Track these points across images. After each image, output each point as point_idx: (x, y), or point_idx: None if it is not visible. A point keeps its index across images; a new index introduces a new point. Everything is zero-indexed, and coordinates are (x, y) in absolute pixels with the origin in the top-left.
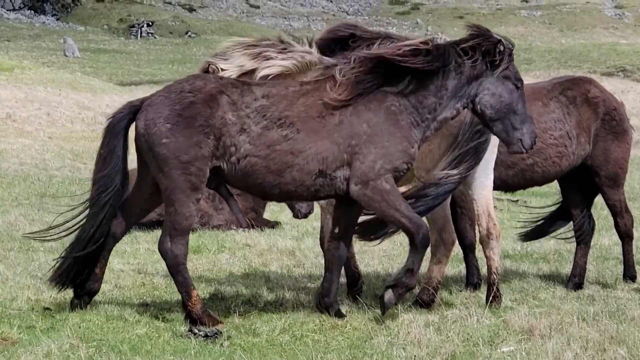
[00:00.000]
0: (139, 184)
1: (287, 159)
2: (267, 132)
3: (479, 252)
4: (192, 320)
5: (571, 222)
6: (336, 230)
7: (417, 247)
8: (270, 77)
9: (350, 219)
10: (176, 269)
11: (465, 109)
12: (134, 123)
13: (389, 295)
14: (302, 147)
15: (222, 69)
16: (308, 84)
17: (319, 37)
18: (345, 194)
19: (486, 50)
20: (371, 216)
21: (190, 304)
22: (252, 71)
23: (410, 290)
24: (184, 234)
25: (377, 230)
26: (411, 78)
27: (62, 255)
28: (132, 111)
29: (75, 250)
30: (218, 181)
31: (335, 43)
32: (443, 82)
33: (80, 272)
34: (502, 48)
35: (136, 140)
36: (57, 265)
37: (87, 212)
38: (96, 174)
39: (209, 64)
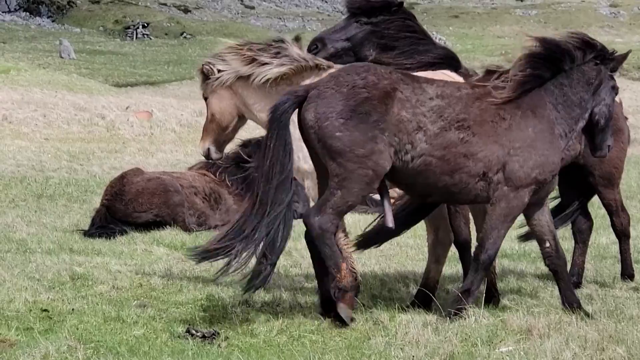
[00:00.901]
0: (324, 172)
1: (460, 160)
2: (444, 133)
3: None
4: (338, 292)
5: (569, 222)
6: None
7: (479, 264)
8: (269, 81)
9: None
10: (322, 241)
11: None
12: (300, 113)
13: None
14: (474, 150)
15: (219, 70)
16: (479, 87)
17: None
18: (488, 198)
19: (606, 60)
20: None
21: (339, 276)
22: (248, 76)
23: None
24: (338, 216)
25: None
26: (561, 88)
27: (263, 261)
28: (298, 101)
29: (277, 252)
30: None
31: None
32: (584, 92)
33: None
34: (619, 58)
35: (303, 129)
36: (258, 271)
37: (268, 210)
38: (266, 167)
39: (205, 65)
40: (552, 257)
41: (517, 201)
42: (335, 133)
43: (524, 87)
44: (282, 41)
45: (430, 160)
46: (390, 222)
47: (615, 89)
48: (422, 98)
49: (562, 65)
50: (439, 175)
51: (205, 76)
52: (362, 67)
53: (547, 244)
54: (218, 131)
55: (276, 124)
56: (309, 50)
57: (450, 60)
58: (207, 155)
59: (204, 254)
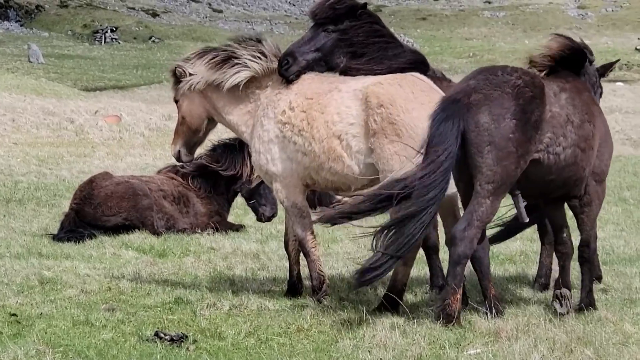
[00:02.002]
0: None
1: (590, 153)
2: (584, 125)
3: (443, 254)
4: (445, 317)
5: (536, 224)
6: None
7: (588, 261)
8: (241, 85)
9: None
10: (461, 260)
11: None
12: (472, 117)
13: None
14: (594, 144)
15: (190, 74)
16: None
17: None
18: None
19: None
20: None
21: (450, 300)
22: (219, 84)
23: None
24: (481, 229)
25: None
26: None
27: (390, 253)
28: (457, 107)
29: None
30: None
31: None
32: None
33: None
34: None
35: (472, 133)
36: (380, 262)
37: (426, 210)
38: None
39: (177, 68)
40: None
41: (603, 195)
42: (509, 134)
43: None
44: (259, 40)
45: (577, 152)
46: (525, 217)
47: (601, 93)
48: (556, 90)
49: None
50: (579, 168)
51: (177, 79)
52: (504, 67)
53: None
54: (188, 134)
55: (442, 127)
56: (280, 66)
57: (419, 64)
58: (178, 157)
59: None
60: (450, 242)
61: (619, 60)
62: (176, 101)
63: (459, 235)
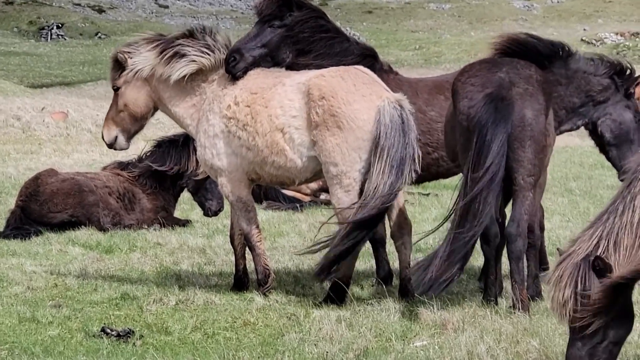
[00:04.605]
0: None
1: None
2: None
3: (389, 247)
4: (524, 308)
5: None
6: None
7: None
8: (187, 76)
9: None
10: (521, 256)
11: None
12: (517, 113)
13: None
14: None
15: (136, 61)
16: None
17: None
18: None
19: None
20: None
21: (521, 294)
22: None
23: None
24: (531, 219)
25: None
26: None
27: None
28: (493, 100)
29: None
30: None
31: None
32: None
33: None
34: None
35: (515, 128)
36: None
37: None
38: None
39: (120, 53)
40: None
41: None
42: (543, 128)
43: None
44: (204, 31)
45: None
46: None
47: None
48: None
49: None
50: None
51: (119, 64)
52: (519, 61)
53: None
54: (130, 121)
55: (487, 124)
56: (227, 63)
57: (369, 58)
58: (113, 143)
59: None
60: (508, 240)
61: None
62: (117, 88)
63: (515, 232)
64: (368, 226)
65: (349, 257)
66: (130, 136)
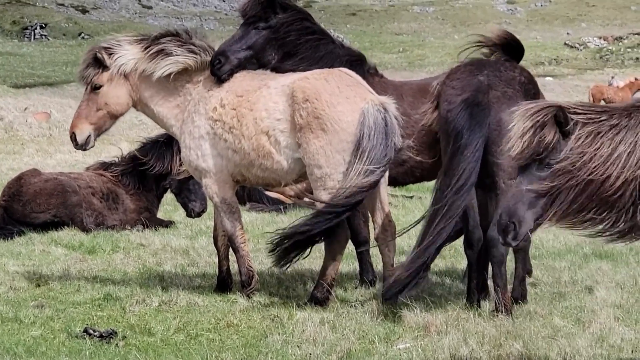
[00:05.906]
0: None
1: None
2: None
3: (373, 249)
4: (506, 312)
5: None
6: None
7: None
8: (171, 76)
9: None
10: (504, 260)
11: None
12: (494, 116)
13: None
14: None
15: (117, 57)
16: None
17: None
18: None
19: None
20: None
21: (504, 297)
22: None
23: None
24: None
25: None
26: None
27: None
28: (474, 103)
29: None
30: None
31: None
32: None
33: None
34: None
35: (494, 133)
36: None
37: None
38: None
39: (99, 51)
40: None
41: None
42: None
43: None
44: (187, 33)
45: None
46: None
47: None
48: None
49: None
50: None
51: (97, 62)
52: (504, 62)
53: None
54: (106, 120)
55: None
56: (213, 65)
57: (355, 61)
58: (84, 144)
59: (399, 289)
60: (490, 244)
61: None
62: (98, 86)
63: (497, 236)
64: (330, 218)
65: (303, 239)
66: (98, 135)
